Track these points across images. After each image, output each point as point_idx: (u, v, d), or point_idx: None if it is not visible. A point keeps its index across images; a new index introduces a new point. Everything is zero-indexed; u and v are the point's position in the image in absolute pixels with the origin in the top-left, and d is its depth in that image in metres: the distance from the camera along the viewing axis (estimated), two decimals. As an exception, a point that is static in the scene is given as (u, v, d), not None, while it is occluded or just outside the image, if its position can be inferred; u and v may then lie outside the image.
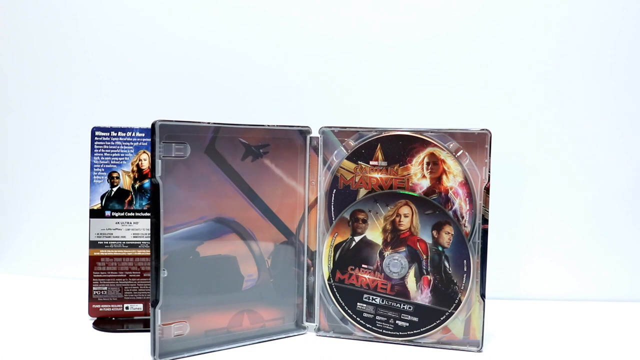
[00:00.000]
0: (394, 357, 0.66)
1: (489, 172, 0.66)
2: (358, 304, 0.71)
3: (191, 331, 0.65)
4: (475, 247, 0.67)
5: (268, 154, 0.70)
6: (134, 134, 0.75)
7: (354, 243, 0.71)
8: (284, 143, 0.71)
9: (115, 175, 0.75)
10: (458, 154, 0.67)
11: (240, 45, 0.92)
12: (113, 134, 0.75)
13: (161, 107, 0.92)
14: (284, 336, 0.71)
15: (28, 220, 0.98)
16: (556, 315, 0.82)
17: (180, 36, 0.93)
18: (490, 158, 0.66)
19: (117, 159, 0.75)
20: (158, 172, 0.62)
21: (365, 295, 0.70)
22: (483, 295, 0.67)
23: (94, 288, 0.76)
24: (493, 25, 0.88)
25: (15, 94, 0.97)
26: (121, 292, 0.76)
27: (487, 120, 0.76)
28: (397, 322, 0.69)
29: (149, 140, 0.68)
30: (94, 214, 0.76)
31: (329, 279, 0.71)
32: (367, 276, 0.70)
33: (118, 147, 0.75)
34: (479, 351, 0.67)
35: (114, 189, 0.76)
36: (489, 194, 0.66)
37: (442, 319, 0.68)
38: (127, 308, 0.76)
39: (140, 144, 0.75)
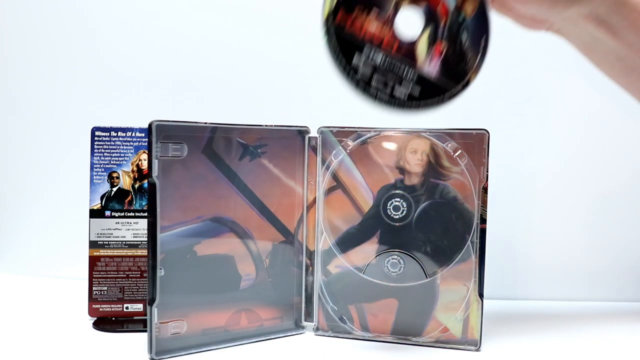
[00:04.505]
0: (393, 357, 0.66)
1: (487, 172, 0.66)
2: (356, 55, 0.59)
3: (189, 330, 0.65)
4: (473, 246, 0.67)
5: (266, 154, 0.70)
6: (134, 134, 0.76)
7: None
8: (282, 143, 0.71)
9: (115, 175, 0.76)
10: (457, 154, 0.67)
11: (239, 45, 0.92)
12: (113, 134, 0.75)
13: (161, 107, 0.92)
14: (282, 335, 0.71)
15: (28, 220, 0.98)
16: (555, 315, 0.82)
17: (181, 37, 0.93)
18: (488, 158, 0.66)
19: (117, 159, 0.76)
20: (155, 172, 0.62)
21: (366, 49, 0.59)
22: (481, 295, 0.67)
23: (94, 288, 0.76)
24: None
25: (15, 94, 0.97)
26: (121, 292, 0.76)
27: (486, 120, 0.76)
28: (394, 88, 0.60)
29: (149, 140, 0.68)
30: (94, 214, 0.76)
31: (327, 19, 0.59)
32: (374, 27, 0.59)
33: (118, 147, 0.75)
34: (477, 350, 0.67)
35: (114, 189, 0.76)
36: (487, 194, 0.66)
37: (444, 96, 0.60)
38: (127, 308, 0.77)
39: (140, 144, 0.76)
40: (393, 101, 0.60)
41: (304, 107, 0.91)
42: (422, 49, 0.60)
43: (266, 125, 0.69)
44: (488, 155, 0.66)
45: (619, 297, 0.88)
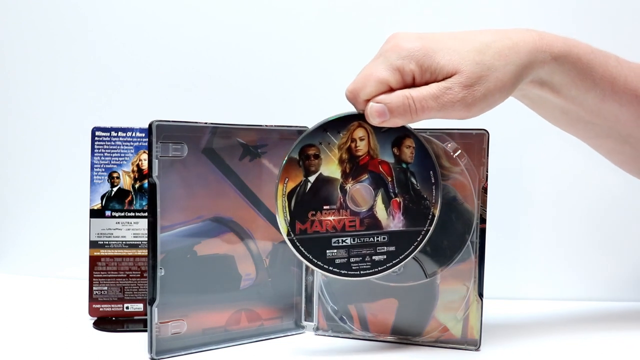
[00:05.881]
0: (392, 357, 0.66)
1: (487, 171, 0.66)
2: (328, 251, 0.63)
3: (188, 329, 0.65)
4: (473, 246, 0.67)
5: (266, 154, 0.70)
6: (134, 134, 0.76)
7: (309, 184, 0.63)
8: (283, 143, 0.71)
9: (115, 175, 0.76)
10: (456, 154, 0.67)
11: (239, 45, 0.92)
12: (113, 134, 0.75)
13: (161, 107, 0.92)
14: (282, 335, 0.71)
15: (28, 220, 0.98)
16: (555, 315, 0.82)
17: (181, 37, 0.93)
18: (487, 158, 0.66)
19: (117, 159, 0.76)
20: (155, 172, 0.62)
21: (334, 240, 0.63)
22: (481, 295, 0.67)
23: (94, 288, 0.76)
24: (491, 25, 0.88)
25: (15, 94, 0.97)
26: (121, 292, 0.76)
27: (486, 120, 0.76)
28: (373, 257, 0.64)
29: (149, 140, 0.68)
30: (94, 214, 0.76)
31: (288, 234, 0.62)
32: (331, 218, 0.63)
33: (118, 147, 0.76)
34: (477, 350, 0.67)
35: (114, 189, 0.76)
36: (486, 194, 0.66)
37: (418, 239, 0.65)
38: (127, 308, 0.77)
39: (140, 144, 0.76)
40: (376, 267, 0.64)
41: (304, 107, 0.91)
42: (381, 213, 0.64)
43: (266, 125, 0.69)
44: (488, 155, 0.66)
45: (619, 297, 0.88)
